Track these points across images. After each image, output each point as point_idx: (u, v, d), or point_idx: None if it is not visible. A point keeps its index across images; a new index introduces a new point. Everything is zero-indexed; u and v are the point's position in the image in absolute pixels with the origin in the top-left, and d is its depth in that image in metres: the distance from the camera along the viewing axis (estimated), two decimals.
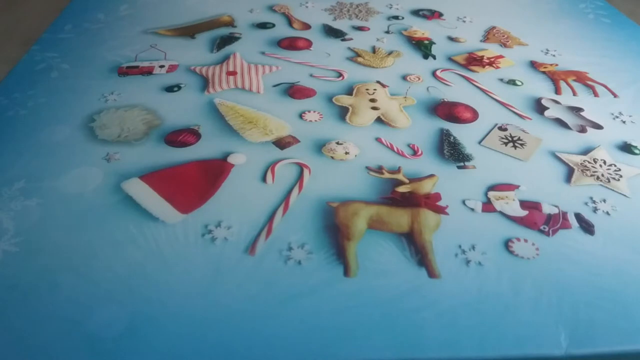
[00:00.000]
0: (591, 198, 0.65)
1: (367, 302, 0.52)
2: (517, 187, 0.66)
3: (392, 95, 0.83)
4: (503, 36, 1.02)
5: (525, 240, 0.59)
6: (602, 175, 0.68)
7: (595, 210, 0.63)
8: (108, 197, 0.62)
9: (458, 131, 0.75)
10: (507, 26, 1.06)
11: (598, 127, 0.77)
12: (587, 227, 0.61)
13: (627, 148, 0.73)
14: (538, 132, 0.75)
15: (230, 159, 0.68)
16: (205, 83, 0.84)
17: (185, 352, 0.47)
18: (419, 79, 0.87)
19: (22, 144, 0.71)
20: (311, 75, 0.87)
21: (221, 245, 0.57)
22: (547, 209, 0.62)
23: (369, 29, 1.04)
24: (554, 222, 0.61)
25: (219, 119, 0.76)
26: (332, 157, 0.69)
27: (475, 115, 0.79)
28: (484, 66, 0.92)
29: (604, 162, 0.70)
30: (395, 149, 0.71)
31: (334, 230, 0.59)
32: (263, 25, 1.04)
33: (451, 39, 1.01)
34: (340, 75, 0.88)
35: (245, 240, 0.58)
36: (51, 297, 0.52)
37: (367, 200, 0.62)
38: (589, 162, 0.70)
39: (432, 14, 1.10)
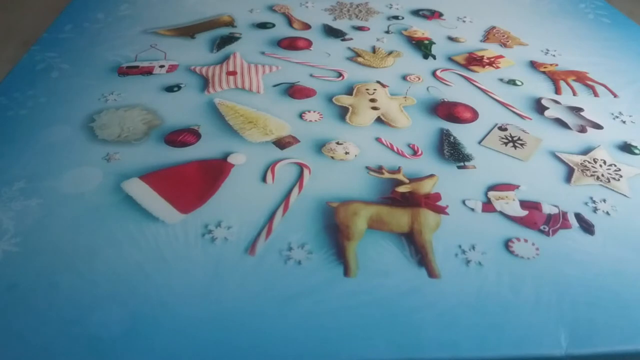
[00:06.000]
0: (591, 198, 0.65)
1: (367, 302, 0.52)
2: (517, 187, 0.66)
3: (392, 95, 0.83)
4: (503, 36, 1.02)
5: (525, 240, 0.59)
6: (602, 175, 0.68)
7: (595, 210, 0.63)
8: (108, 197, 0.62)
9: (458, 131, 0.75)
10: (507, 26, 1.06)
11: (598, 127, 0.77)
12: (587, 227, 0.61)
13: (627, 148, 0.73)
14: (538, 132, 0.75)
15: (230, 159, 0.68)
16: (205, 83, 0.84)
17: (185, 352, 0.47)
18: (419, 79, 0.87)
19: (22, 144, 0.71)
20: (311, 75, 0.87)
21: (221, 245, 0.57)
22: (547, 209, 0.62)
23: (369, 29, 1.04)
24: (554, 222, 0.61)
25: (219, 119, 0.76)
26: (332, 157, 0.69)
27: (475, 115, 0.79)
28: (484, 66, 0.92)
29: (604, 162, 0.70)
30: (395, 149, 0.71)
31: (334, 230, 0.59)
32: (263, 25, 1.04)
33: (451, 39, 1.01)
34: (340, 75, 0.88)
35: (245, 240, 0.58)
36: (51, 297, 0.51)
37: (367, 200, 0.62)
38: (589, 162, 0.70)
39: (432, 14, 1.10)
